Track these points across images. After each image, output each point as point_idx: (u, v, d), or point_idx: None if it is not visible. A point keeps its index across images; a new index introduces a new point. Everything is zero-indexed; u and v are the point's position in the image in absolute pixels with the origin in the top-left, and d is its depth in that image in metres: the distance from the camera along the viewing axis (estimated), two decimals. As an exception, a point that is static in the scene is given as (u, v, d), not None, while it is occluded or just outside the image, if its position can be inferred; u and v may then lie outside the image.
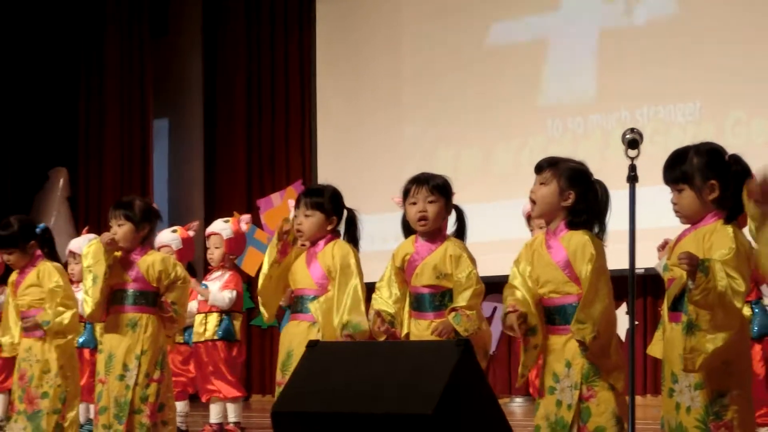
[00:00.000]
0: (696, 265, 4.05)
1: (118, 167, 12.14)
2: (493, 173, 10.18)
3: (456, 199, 5.64)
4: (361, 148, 11.08)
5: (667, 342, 4.37)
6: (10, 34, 11.93)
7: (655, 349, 4.64)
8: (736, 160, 4.36)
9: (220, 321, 7.93)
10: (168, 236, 8.28)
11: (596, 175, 4.96)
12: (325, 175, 10.81)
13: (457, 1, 10.67)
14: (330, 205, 5.86)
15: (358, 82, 11.32)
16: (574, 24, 9.90)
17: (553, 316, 4.78)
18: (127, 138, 12.20)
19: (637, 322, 8.48)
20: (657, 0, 9.48)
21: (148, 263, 6.33)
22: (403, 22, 11.04)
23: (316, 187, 6.13)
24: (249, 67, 12.20)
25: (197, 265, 9.09)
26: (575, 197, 4.83)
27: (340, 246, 5.80)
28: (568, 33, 9.92)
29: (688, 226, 4.40)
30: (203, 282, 8.01)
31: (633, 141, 4.54)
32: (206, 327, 7.94)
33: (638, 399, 8.94)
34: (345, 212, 5.89)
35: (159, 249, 8.15)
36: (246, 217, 8.33)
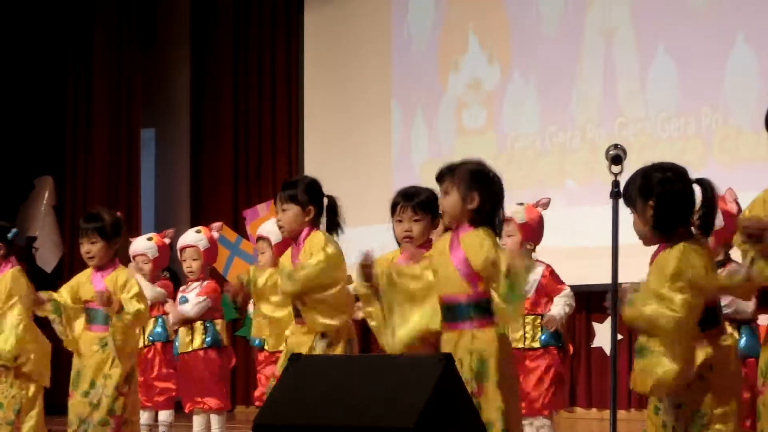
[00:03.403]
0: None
1: (105, 176, 12.11)
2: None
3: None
4: (348, 160, 11.07)
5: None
6: (-2, 42, 11.92)
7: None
8: (671, 178, 4.39)
9: (205, 329, 7.88)
10: (143, 244, 8.25)
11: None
12: (311, 187, 10.79)
13: (446, 16, 10.67)
14: (305, 197, 5.86)
15: (346, 93, 11.32)
16: (561, 39, 9.90)
17: (446, 312, 4.94)
18: (114, 147, 12.17)
19: (621, 337, 8.48)
20: (640, 16, 9.47)
21: (119, 280, 6.33)
22: (391, 32, 11.04)
23: (290, 180, 6.13)
24: (236, 78, 12.20)
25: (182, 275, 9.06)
26: (479, 198, 4.95)
27: (312, 237, 5.80)
28: (554, 49, 9.92)
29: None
30: (181, 295, 7.94)
31: (616, 157, 4.56)
32: (193, 336, 7.89)
33: (622, 413, 8.97)
34: (325, 201, 5.91)
35: (135, 257, 8.16)
36: (217, 225, 8.31)
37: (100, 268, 6.36)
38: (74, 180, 12.23)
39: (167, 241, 8.33)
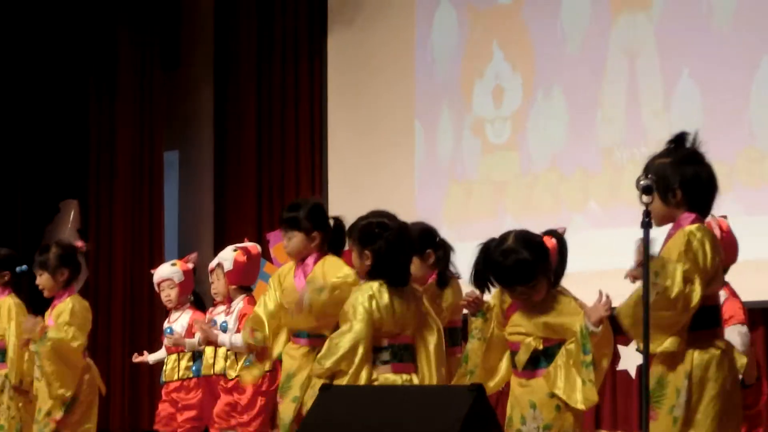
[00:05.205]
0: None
1: (129, 199, 12.14)
2: (503, 210, 10.16)
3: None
4: (372, 183, 11.07)
5: (523, 392, 4.96)
6: (21, 64, 11.95)
7: None
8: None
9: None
10: (168, 270, 8.29)
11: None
12: (335, 208, 10.71)
13: (469, 37, 10.68)
14: (308, 223, 5.82)
15: (370, 116, 11.33)
16: (585, 60, 9.90)
17: None
18: (138, 170, 12.21)
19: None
20: (664, 39, 9.46)
21: (59, 310, 6.43)
22: (414, 53, 11.04)
23: (292, 203, 6.09)
24: (260, 101, 12.23)
25: (205, 297, 9.07)
26: (371, 257, 5.11)
27: (330, 264, 5.76)
28: (578, 69, 9.92)
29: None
30: (215, 319, 7.90)
31: (647, 187, 4.56)
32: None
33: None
34: (331, 222, 5.87)
35: (160, 284, 8.19)
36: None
37: (53, 299, 6.50)
38: (98, 203, 12.26)
39: (191, 266, 8.36)
